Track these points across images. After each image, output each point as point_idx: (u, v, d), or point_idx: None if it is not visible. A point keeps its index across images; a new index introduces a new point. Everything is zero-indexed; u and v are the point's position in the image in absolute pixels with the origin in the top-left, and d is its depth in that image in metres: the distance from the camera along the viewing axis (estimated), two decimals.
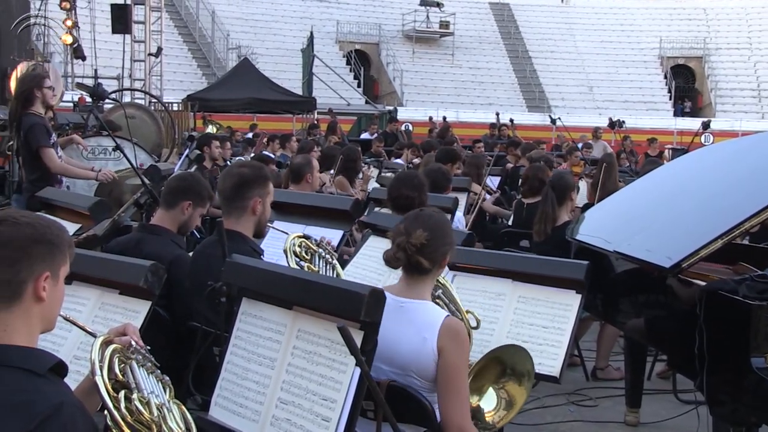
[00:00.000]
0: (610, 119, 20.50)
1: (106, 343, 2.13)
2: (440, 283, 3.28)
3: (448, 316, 2.89)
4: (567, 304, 3.43)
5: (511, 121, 20.82)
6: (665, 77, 37.42)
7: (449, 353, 2.76)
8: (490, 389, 3.04)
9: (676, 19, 39.64)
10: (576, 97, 35.43)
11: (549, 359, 3.35)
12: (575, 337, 3.83)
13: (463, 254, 3.83)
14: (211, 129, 12.40)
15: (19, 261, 1.90)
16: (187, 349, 3.42)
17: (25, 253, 1.90)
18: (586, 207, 7.27)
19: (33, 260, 1.92)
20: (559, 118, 18.55)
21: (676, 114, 34.99)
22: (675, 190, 5.04)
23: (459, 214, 6.07)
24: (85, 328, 2.24)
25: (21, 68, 14.47)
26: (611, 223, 5.15)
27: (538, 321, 3.47)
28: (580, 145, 12.93)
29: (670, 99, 36.47)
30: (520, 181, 7.94)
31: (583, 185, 9.08)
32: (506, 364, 3.08)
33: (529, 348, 3.34)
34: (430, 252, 2.88)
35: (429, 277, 2.98)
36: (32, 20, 16.45)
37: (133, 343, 2.18)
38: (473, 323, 3.37)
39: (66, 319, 2.21)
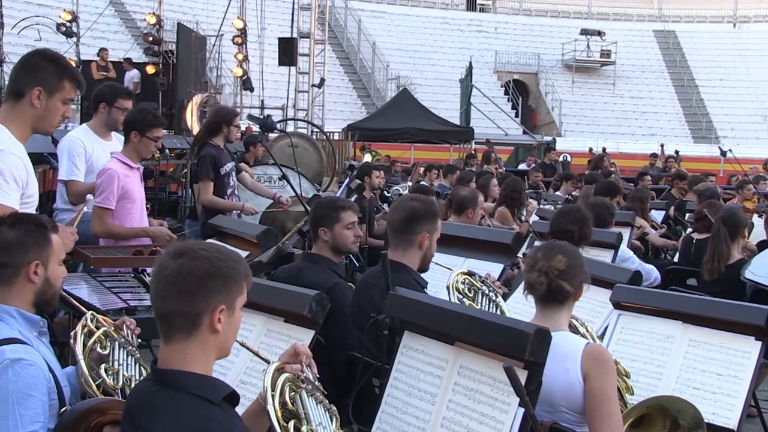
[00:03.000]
0: None
1: (278, 371, 2.19)
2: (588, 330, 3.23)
3: (588, 343, 2.86)
4: (745, 351, 3.21)
5: (677, 152, 19.96)
6: None
7: (594, 378, 2.74)
8: None
9: None
10: (748, 127, 33.58)
11: (724, 409, 3.14)
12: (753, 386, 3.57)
13: (630, 293, 3.68)
14: (367, 157, 12.62)
15: (196, 295, 1.98)
16: (346, 377, 3.46)
17: (202, 287, 1.99)
18: (763, 245, 6.82)
19: (209, 294, 2.00)
20: (730, 150, 17.59)
21: None
22: None
23: (627, 249, 5.84)
24: (260, 354, 2.32)
25: (196, 100, 15.43)
26: None
27: (712, 367, 3.27)
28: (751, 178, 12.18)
29: None
30: (692, 216, 7.57)
31: (758, 221, 8.53)
32: (673, 418, 2.90)
33: (701, 396, 3.16)
34: (570, 277, 2.92)
35: (566, 308, 2.99)
36: (207, 55, 17.44)
37: (305, 369, 2.23)
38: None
39: (242, 345, 2.29)
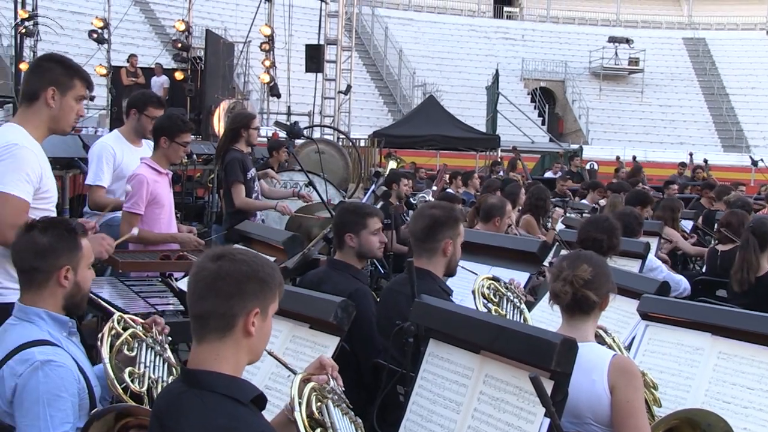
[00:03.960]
0: None
1: (304, 381, 2.21)
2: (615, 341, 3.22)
3: (615, 355, 2.84)
4: None
5: (705, 161, 19.77)
6: None
7: (621, 390, 2.72)
8: None
9: None
10: None
11: (756, 425, 3.07)
12: None
13: (658, 303, 3.64)
14: (392, 164, 12.61)
15: (234, 296, 2.02)
16: (370, 384, 3.46)
17: (239, 288, 2.02)
18: None
19: (246, 296, 2.03)
20: (762, 159, 17.35)
21: None
22: None
23: (654, 259, 5.78)
24: (287, 365, 2.34)
25: (223, 106, 15.54)
26: None
27: (742, 381, 3.21)
28: None
29: None
30: (716, 226, 7.47)
31: None
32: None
33: (732, 410, 3.11)
34: (596, 287, 2.90)
35: (591, 318, 2.96)
36: (235, 61, 17.53)
37: (331, 382, 2.25)
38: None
39: (269, 354, 2.30)
